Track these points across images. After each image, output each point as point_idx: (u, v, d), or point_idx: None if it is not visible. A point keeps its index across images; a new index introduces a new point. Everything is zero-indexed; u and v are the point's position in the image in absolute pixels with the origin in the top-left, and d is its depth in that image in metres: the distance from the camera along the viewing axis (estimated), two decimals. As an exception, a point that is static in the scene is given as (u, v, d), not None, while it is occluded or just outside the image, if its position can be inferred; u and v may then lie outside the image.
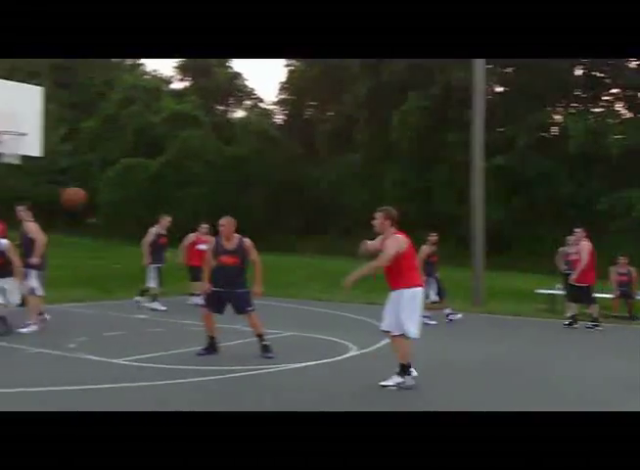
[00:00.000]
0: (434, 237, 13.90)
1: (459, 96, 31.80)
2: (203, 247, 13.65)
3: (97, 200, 39.03)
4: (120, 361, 8.94)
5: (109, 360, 8.98)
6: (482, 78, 17.97)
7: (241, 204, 37.96)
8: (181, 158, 40.08)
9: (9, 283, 10.42)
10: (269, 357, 9.32)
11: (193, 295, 14.69)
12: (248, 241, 9.52)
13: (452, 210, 32.73)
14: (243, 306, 9.39)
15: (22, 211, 11.25)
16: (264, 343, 9.53)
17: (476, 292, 17.05)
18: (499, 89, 38.17)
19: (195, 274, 13.91)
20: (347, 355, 9.90)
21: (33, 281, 11.00)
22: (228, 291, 9.30)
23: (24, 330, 10.74)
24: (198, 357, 9.25)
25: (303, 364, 9.16)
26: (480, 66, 17.69)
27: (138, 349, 9.81)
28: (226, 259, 9.34)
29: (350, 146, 40.90)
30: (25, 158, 13.62)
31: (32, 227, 11.14)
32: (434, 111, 35.82)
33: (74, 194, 10.55)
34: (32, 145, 13.45)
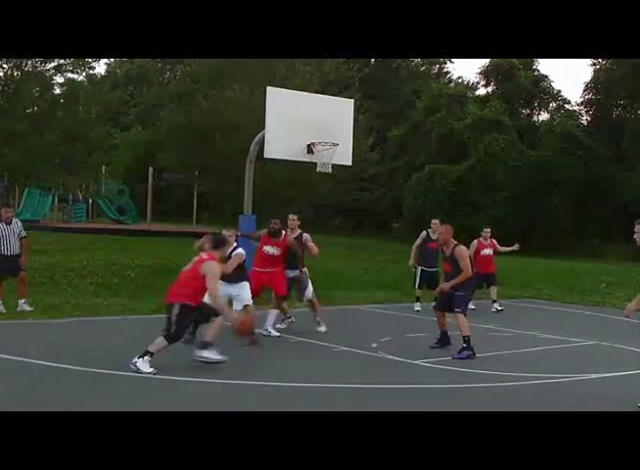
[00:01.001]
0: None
1: None
2: (486, 252, 14.11)
3: (402, 205, 40.34)
4: (420, 363, 9.33)
5: (408, 361, 9.40)
6: None
7: (544, 208, 37.09)
8: (485, 163, 40.08)
9: (242, 289, 10.28)
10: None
11: (494, 301, 14.81)
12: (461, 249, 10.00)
13: None
14: (452, 307, 9.96)
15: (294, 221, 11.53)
16: (464, 344, 9.71)
17: None
18: None
19: (491, 280, 14.36)
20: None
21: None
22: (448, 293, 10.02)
23: (322, 329, 11.28)
24: (496, 362, 9.41)
25: (603, 375, 8.95)
26: None
27: (439, 352, 10.07)
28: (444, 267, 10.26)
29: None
30: (335, 166, 14.57)
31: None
32: None
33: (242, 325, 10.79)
34: (344, 154, 14.36)
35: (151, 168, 38.07)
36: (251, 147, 14.28)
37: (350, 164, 14.90)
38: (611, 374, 8.99)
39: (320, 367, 8.96)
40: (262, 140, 13.64)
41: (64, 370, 7.94)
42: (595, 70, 45.86)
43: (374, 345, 10.32)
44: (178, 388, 7.54)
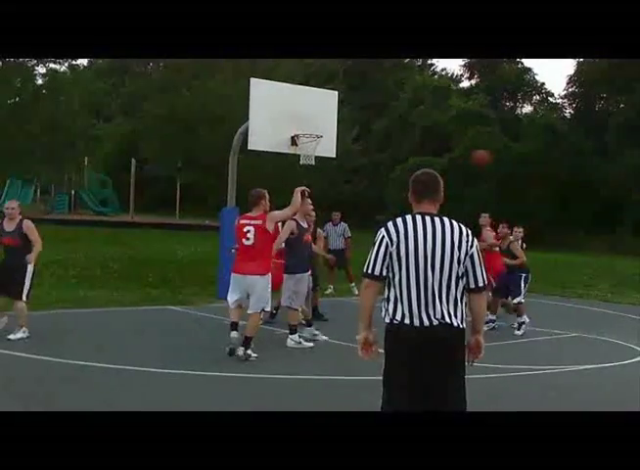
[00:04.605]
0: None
1: None
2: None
3: (385, 198, 40.37)
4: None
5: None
6: None
7: (528, 200, 37.25)
8: (468, 155, 40.22)
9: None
10: None
11: None
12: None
13: None
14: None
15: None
16: None
17: None
18: None
19: None
20: (633, 360, 9.55)
21: None
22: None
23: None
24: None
25: (584, 367, 9.00)
26: None
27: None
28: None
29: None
30: (319, 158, 14.54)
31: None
32: None
33: (481, 157, 11.33)
34: (328, 146, 14.33)
35: (133, 160, 37.92)
36: (235, 138, 14.23)
37: (334, 156, 14.88)
38: (592, 366, 9.05)
39: (302, 360, 8.94)
40: (246, 132, 13.59)
41: (44, 362, 7.91)
42: (579, 64, 46.08)
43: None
44: (156, 379, 7.53)
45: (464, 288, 4.25)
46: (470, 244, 4.24)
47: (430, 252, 4.19)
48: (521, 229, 13.16)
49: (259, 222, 8.40)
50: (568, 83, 47.51)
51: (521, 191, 38.04)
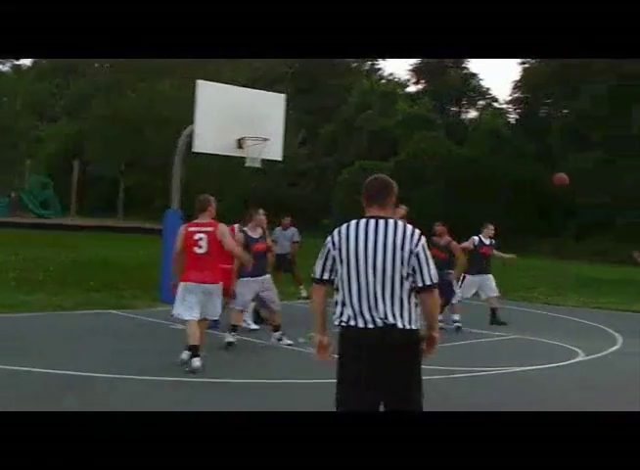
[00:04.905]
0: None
1: None
2: None
3: (332, 202, 40.47)
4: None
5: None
6: None
7: (473, 204, 37.70)
8: (414, 159, 40.56)
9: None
10: None
11: None
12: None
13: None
14: None
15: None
16: None
17: None
18: None
19: None
20: (573, 361, 9.72)
21: None
22: None
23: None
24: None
25: (526, 368, 9.12)
26: None
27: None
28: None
29: (586, 144, 39.21)
30: (265, 161, 14.48)
31: None
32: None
33: (562, 179, 11.99)
34: (274, 149, 14.27)
35: (76, 162, 37.34)
36: (180, 141, 14.10)
37: (280, 159, 14.84)
38: (532, 367, 9.16)
39: (247, 363, 8.89)
40: (192, 134, 13.48)
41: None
42: (524, 69, 46.87)
43: (301, 340, 10.33)
44: (103, 383, 7.40)
45: (413, 288, 4.23)
46: (415, 243, 4.22)
47: (371, 253, 4.20)
48: (492, 227, 13.49)
49: (211, 229, 8.15)
50: (513, 89, 48.33)
51: (467, 194, 38.47)
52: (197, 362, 7.88)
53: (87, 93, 43.66)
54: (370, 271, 4.20)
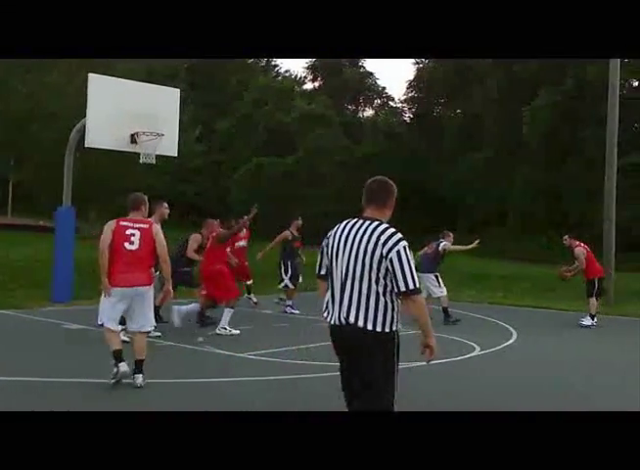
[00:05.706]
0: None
1: (592, 92, 30.81)
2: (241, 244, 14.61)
3: (228, 199, 40.04)
4: (247, 355, 9.23)
5: (236, 355, 9.28)
6: (617, 73, 17.48)
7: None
8: (311, 157, 40.62)
9: None
10: None
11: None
12: None
13: (582, 208, 31.84)
14: None
15: None
16: None
17: (607, 292, 16.51)
18: (635, 84, 36.70)
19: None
20: (470, 355, 9.87)
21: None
22: None
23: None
24: (326, 353, 9.45)
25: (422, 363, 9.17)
26: (615, 60, 17.24)
27: (264, 343, 10.05)
28: None
29: (478, 143, 40.23)
30: (159, 157, 14.14)
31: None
32: (566, 107, 34.74)
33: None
34: (169, 145, 14.00)
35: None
36: (71, 136, 13.63)
37: (176, 154, 14.57)
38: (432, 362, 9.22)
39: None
40: (83, 129, 13.04)
41: None
42: (418, 69, 47.63)
43: (200, 339, 10.17)
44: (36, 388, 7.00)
45: (390, 292, 4.28)
46: (388, 248, 4.24)
47: (346, 254, 4.33)
48: (450, 233, 14.05)
49: (146, 226, 7.58)
50: (407, 88, 49.02)
51: (362, 193, 38.81)
52: (124, 367, 7.38)
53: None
54: (343, 270, 4.34)
